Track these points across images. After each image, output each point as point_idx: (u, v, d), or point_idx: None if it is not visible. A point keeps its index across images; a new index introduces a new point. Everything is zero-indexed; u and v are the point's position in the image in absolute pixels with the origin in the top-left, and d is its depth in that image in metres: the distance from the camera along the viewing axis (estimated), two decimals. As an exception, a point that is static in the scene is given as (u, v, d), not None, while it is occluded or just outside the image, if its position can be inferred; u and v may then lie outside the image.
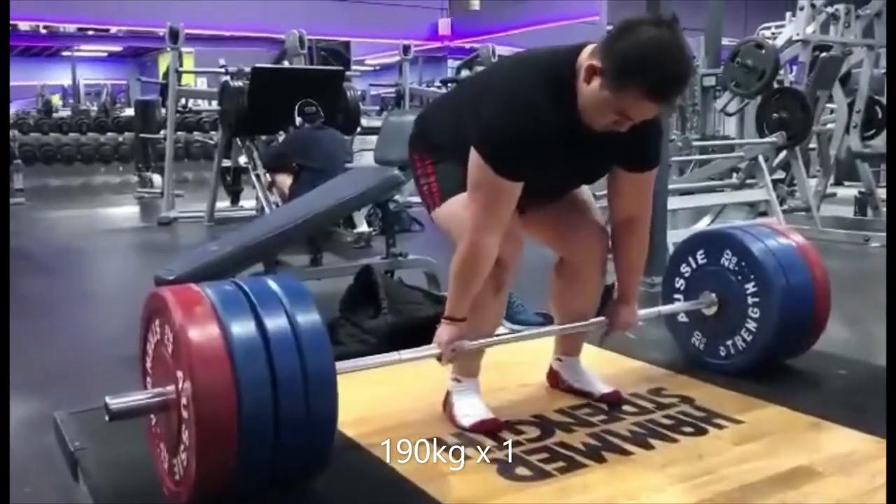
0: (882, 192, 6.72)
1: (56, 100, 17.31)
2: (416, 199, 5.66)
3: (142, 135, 10.19)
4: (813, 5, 6.15)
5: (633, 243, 2.01)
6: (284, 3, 13.96)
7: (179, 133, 10.10)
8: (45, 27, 17.64)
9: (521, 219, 1.95)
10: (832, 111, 6.91)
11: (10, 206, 8.66)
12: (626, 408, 2.08)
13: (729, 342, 2.31)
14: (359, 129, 7.50)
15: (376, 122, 8.23)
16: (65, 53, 20.28)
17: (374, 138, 6.38)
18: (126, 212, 9.18)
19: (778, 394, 2.13)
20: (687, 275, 2.41)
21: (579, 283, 2.09)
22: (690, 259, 2.40)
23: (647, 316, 2.27)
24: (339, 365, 1.58)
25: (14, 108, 14.61)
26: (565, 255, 2.09)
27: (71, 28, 17.69)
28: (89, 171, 12.09)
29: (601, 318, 2.09)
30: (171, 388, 1.47)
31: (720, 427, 1.95)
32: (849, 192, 7.54)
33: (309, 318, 1.50)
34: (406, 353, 1.87)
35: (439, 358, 1.87)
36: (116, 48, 20.69)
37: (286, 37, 7.81)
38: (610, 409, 2.07)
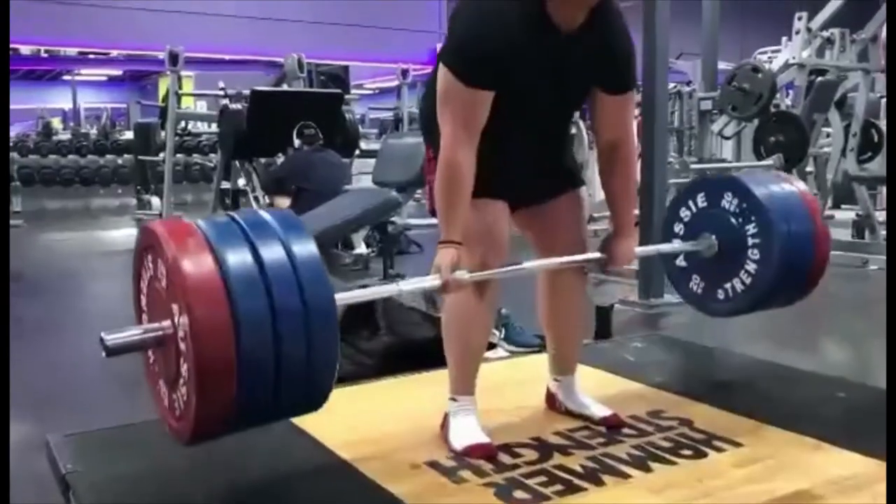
0: (879, 215, 6.74)
1: (56, 123, 17.36)
2: (415, 220, 5.67)
3: (141, 157, 10.22)
4: (808, 30, 6.20)
5: (620, 169, 2.01)
6: (285, 27, 14.06)
7: (178, 155, 10.13)
8: (46, 51, 17.73)
9: (513, 216, 1.96)
10: (828, 134, 6.94)
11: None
12: (624, 430, 2.05)
13: (728, 285, 2.25)
14: (358, 152, 7.53)
15: (375, 145, 8.26)
16: (65, 77, 20.37)
17: (373, 161, 6.40)
18: (124, 234, 9.17)
19: (778, 416, 2.11)
20: (686, 219, 2.34)
21: (560, 293, 2.08)
22: (690, 203, 2.34)
23: (645, 253, 2.22)
24: (339, 296, 1.56)
25: (14, 131, 14.65)
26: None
27: (72, 52, 17.77)
28: (88, 193, 12.11)
29: (599, 255, 2.05)
30: (167, 322, 1.45)
31: (720, 450, 1.93)
32: (846, 214, 7.55)
33: (306, 249, 1.48)
34: (405, 284, 1.85)
35: (441, 290, 1.80)
36: (117, 72, 20.79)
37: (285, 60, 7.85)
38: (609, 432, 2.05)
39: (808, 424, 2.07)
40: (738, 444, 1.95)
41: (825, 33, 6.35)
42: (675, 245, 2.34)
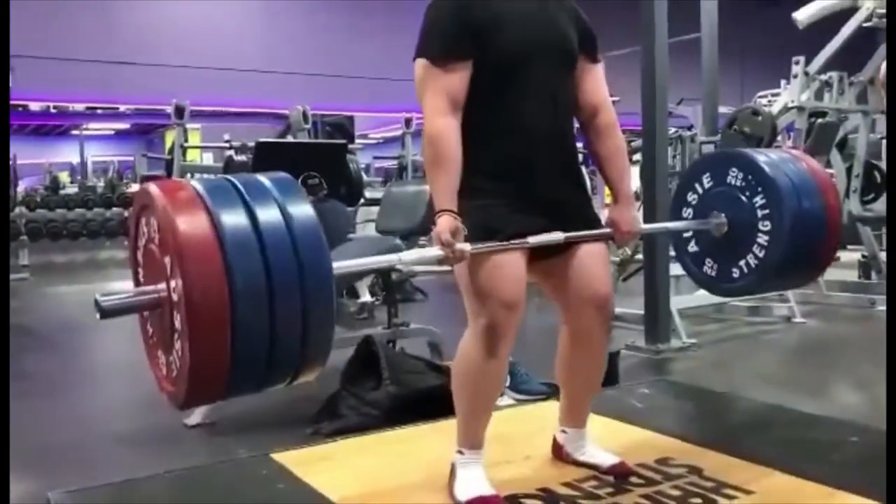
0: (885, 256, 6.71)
1: (64, 177, 17.54)
2: (420, 268, 5.66)
3: (147, 209, 10.25)
4: (806, 73, 6.26)
5: (606, 135, 2.04)
6: (290, 80, 14.29)
7: (184, 207, 10.16)
8: (54, 107, 18.01)
9: (532, 266, 1.92)
10: (831, 176, 6.96)
11: (15, 281, 8.68)
12: (633, 479, 2.03)
13: (742, 262, 2.21)
14: (362, 200, 7.57)
15: (379, 194, 8.30)
16: (74, 132, 20.65)
17: (377, 209, 6.42)
18: (130, 287, 9.17)
19: (789, 462, 2.08)
20: (694, 202, 2.32)
21: (584, 346, 2.04)
22: (696, 185, 2.31)
23: (654, 230, 2.17)
24: (336, 264, 1.55)
25: (23, 186, 14.80)
26: (567, 319, 2.06)
27: (80, 107, 18.05)
28: (95, 245, 12.16)
29: (606, 230, 2.03)
30: (161, 284, 1.44)
31: (730, 498, 1.89)
32: (852, 255, 7.54)
33: (301, 209, 1.48)
34: (406, 255, 1.83)
35: (442, 260, 1.76)
36: (124, 126, 21.08)
37: (290, 112, 7.96)
38: (617, 482, 2.02)
39: (821, 470, 2.04)
40: (748, 492, 1.92)
41: (823, 76, 6.41)
42: (684, 223, 2.32)
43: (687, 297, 4.99)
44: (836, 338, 5.07)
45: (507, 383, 3.25)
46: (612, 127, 2.04)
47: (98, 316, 1.46)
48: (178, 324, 1.39)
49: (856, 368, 4.03)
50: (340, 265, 1.62)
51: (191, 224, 1.38)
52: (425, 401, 2.76)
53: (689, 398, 3.05)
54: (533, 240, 1.86)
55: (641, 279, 4.63)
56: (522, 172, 1.90)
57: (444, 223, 1.76)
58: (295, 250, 1.42)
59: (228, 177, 1.55)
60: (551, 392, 2.97)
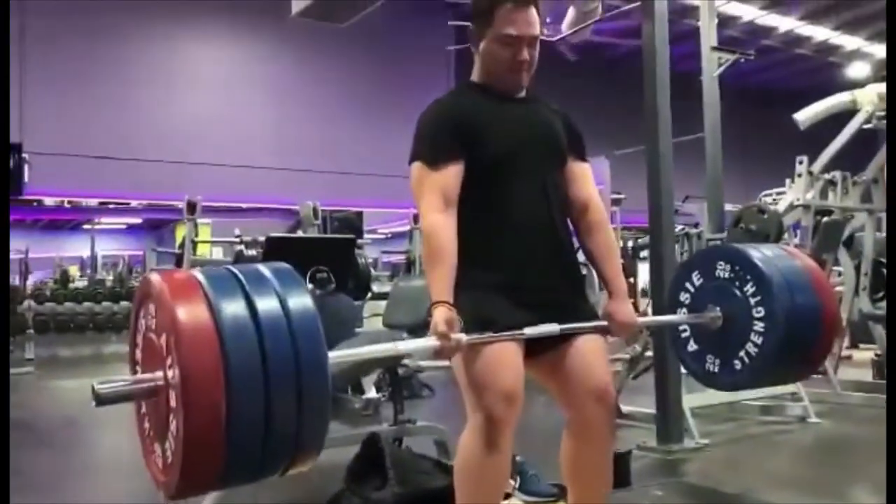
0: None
1: (74, 270, 17.70)
2: (425, 362, 5.64)
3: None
4: (810, 172, 6.34)
5: (597, 230, 2.08)
6: (300, 176, 14.57)
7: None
8: (69, 202, 18.35)
9: (529, 362, 1.90)
10: (840, 273, 6.95)
11: (18, 375, 8.61)
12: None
13: (742, 353, 2.18)
14: (370, 294, 7.59)
15: (387, 288, 8.33)
16: (85, 226, 20.96)
17: (384, 303, 6.43)
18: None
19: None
20: (687, 302, 2.32)
21: (588, 441, 1.99)
22: (687, 285, 2.32)
23: (650, 324, 2.18)
24: (333, 354, 1.54)
25: (32, 280, 14.90)
26: (569, 415, 2.02)
27: (93, 202, 18.37)
28: (101, 339, 12.16)
29: (602, 322, 2.01)
30: (159, 373, 1.44)
31: None
32: (865, 354, 7.45)
33: (301, 303, 1.48)
34: (402, 345, 1.83)
35: (437, 351, 1.75)
36: (136, 220, 21.40)
37: (300, 208, 8.09)
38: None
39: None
40: None
41: (826, 176, 6.49)
42: (680, 316, 2.32)
43: (699, 396, 4.90)
44: (851, 438, 4.94)
45: (516, 484, 3.16)
46: (601, 224, 2.10)
47: (94, 403, 1.46)
48: (173, 402, 1.40)
49: (871, 470, 3.91)
50: (337, 354, 1.65)
51: (189, 307, 1.41)
52: (431, 501, 2.69)
53: (702, 500, 2.96)
54: (529, 331, 1.86)
55: (652, 377, 4.56)
56: (516, 266, 1.94)
57: (440, 314, 1.77)
58: (292, 338, 1.44)
59: (230, 266, 1.58)
60: (560, 494, 2.89)
